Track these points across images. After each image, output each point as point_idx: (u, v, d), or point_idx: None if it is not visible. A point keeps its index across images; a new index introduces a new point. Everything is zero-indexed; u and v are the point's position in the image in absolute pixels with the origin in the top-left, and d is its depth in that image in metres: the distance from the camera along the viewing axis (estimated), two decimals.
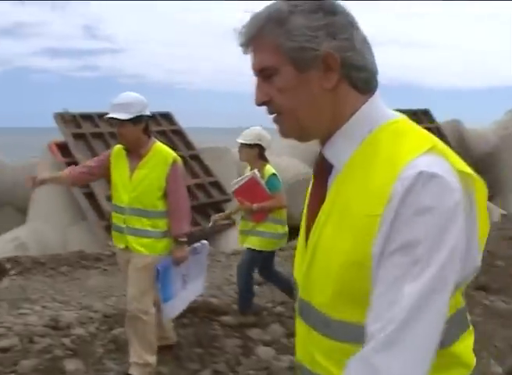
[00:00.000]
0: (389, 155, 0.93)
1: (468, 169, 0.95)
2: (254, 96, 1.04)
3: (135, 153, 3.35)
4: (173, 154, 3.41)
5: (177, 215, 3.34)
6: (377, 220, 0.89)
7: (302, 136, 1.07)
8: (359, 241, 0.92)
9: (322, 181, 1.05)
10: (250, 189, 4.17)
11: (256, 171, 4.17)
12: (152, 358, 3.39)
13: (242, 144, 4.20)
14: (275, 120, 1.05)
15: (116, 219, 3.43)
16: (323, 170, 1.06)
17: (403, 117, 1.04)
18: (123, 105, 3.20)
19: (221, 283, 5.51)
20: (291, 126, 1.04)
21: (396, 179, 0.88)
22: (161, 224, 3.36)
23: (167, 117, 10.10)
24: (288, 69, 0.99)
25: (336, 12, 0.99)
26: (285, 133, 1.07)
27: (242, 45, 1.03)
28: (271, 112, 1.05)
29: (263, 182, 4.17)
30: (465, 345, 1.04)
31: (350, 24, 1.00)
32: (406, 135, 0.97)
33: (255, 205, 4.17)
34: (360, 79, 1.01)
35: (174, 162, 3.35)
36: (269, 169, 4.27)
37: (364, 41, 1.02)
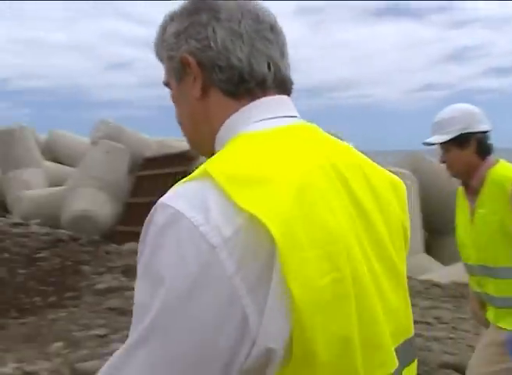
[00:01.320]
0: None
1: None
2: None
3: (471, 187, 2.39)
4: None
5: None
6: None
7: (197, 151, 0.96)
8: None
9: None
10: None
11: None
12: None
13: None
14: None
15: (472, 281, 2.51)
16: None
17: (275, 128, 0.82)
18: (440, 124, 2.35)
19: None
20: (186, 140, 0.95)
21: None
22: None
23: None
24: (172, 82, 0.91)
25: (199, 9, 0.87)
26: None
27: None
28: None
29: None
30: None
31: (214, 19, 0.85)
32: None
33: None
34: (224, 80, 0.84)
35: None
36: None
37: (235, 34, 0.84)
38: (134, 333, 0.68)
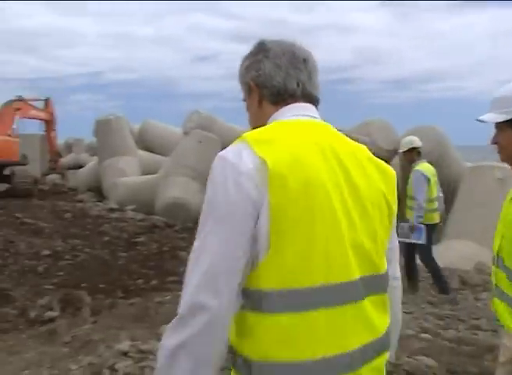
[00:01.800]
0: None
1: (264, 155, 1.16)
2: None
3: None
4: None
5: None
6: None
7: None
8: None
9: None
10: None
11: None
12: None
13: None
14: None
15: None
16: None
17: (295, 119, 1.33)
18: (499, 101, 2.02)
19: None
20: None
21: None
22: None
23: None
24: (245, 97, 1.45)
25: (257, 51, 1.40)
26: None
27: None
28: None
29: None
30: None
31: (265, 57, 1.38)
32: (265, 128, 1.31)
33: None
34: (269, 95, 1.37)
35: None
36: None
37: (276, 66, 1.36)
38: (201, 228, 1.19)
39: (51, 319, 5.01)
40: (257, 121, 1.39)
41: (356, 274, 1.24)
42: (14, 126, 14.93)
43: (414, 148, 5.99)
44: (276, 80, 1.36)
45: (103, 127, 13.97)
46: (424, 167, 5.93)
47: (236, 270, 1.15)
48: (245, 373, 1.19)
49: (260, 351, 1.17)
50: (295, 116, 1.33)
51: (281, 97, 1.37)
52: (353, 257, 1.23)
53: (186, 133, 12.96)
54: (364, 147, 1.40)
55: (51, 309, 5.20)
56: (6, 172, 13.93)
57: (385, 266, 1.34)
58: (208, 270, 1.14)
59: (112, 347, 4.11)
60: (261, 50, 1.41)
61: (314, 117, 1.36)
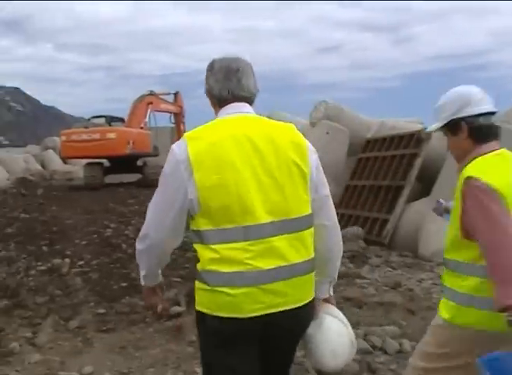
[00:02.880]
0: None
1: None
2: None
3: None
4: (468, 168, 2.13)
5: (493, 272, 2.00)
6: None
7: None
8: None
9: None
10: None
11: None
12: None
13: None
14: None
15: None
16: None
17: (225, 117, 2.05)
18: (436, 110, 2.30)
19: None
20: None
21: None
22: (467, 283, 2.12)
23: None
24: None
25: (208, 69, 2.13)
26: None
27: None
28: None
29: None
30: None
31: (210, 72, 2.10)
32: None
33: None
34: (216, 100, 2.10)
35: (468, 178, 2.08)
36: None
37: (215, 79, 2.08)
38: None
39: (178, 314, 4.86)
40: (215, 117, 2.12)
41: (264, 219, 1.90)
42: (146, 120, 15.53)
43: None
44: (215, 90, 2.08)
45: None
46: None
47: (168, 215, 1.94)
48: (198, 278, 1.97)
49: (203, 265, 1.93)
50: (227, 114, 2.04)
51: (221, 102, 2.07)
52: (262, 208, 1.90)
53: (312, 124, 12.55)
54: (287, 128, 2.07)
55: (177, 304, 5.06)
56: (139, 163, 14.54)
57: (299, 213, 1.97)
58: (152, 213, 2.01)
59: None
60: (210, 68, 2.12)
61: (242, 112, 2.05)
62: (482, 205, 2.01)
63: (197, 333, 2.13)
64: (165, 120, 17.49)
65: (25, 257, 6.61)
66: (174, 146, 1.97)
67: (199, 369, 3.73)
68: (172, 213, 1.93)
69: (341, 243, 2.17)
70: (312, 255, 2.00)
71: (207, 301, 1.95)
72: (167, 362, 3.83)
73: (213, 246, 1.89)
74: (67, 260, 6.40)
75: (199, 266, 1.95)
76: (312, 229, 2.02)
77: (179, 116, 17.14)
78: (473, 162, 2.16)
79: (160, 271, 2.21)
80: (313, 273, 2.01)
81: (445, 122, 2.24)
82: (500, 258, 1.95)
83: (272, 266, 1.89)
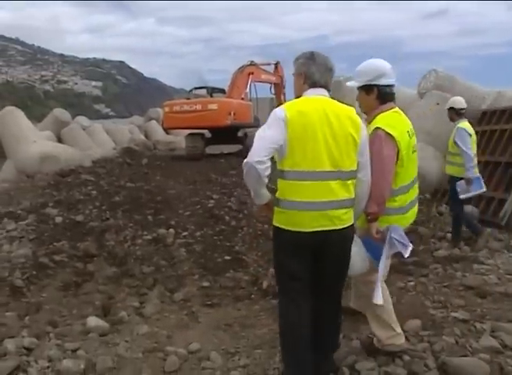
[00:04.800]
0: None
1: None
2: None
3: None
4: (377, 120, 3.27)
5: None
6: None
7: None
8: None
9: None
10: None
11: None
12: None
13: None
14: None
15: None
16: None
17: (311, 96, 3.05)
18: (357, 73, 3.43)
19: None
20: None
21: None
22: None
23: None
24: (295, 77, 3.24)
25: (310, 58, 3.13)
26: None
27: None
28: None
29: None
30: None
31: (313, 62, 3.09)
32: None
33: None
34: (309, 82, 3.09)
35: (376, 128, 3.21)
36: None
37: (316, 70, 3.09)
38: None
39: None
40: (298, 93, 3.13)
41: (327, 167, 2.87)
42: (247, 90, 15.37)
43: (452, 108, 6.67)
44: (316, 77, 3.06)
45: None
46: (465, 125, 6.52)
47: (267, 148, 2.83)
48: (276, 203, 2.98)
49: (281, 194, 2.94)
50: (313, 94, 3.04)
51: (313, 85, 3.06)
52: (327, 160, 2.88)
53: (421, 94, 11.78)
54: (349, 110, 3.02)
55: None
56: (240, 134, 14.47)
57: (349, 168, 2.94)
58: (255, 146, 2.86)
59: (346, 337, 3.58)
60: (310, 57, 3.10)
61: (323, 95, 3.05)
62: (378, 149, 3.10)
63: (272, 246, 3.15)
64: (265, 91, 17.28)
65: (131, 226, 6.72)
66: (276, 109, 3.00)
67: None
68: (269, 148, 2.84)
69: (368, 192, 3.10)
70: (353, 196, 2.98)
71: (281, 219, 2.96)
72: (275, 343, 3.64)
73: (290, 182, 2.89)
74: (172, 230, 6.42)
75: (278, 195, 2.96)
76: (355, 180, 2.99)
77: (279, 87, 16.82)
78: (379, 116, 3.27)
79: (262, 194, 2.98)
80: (352, 208, 3.00)
81: (362, 84, 3.34)
82: (373, 186, 3.10)
83: (328, 199, 2.88)
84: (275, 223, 3.00)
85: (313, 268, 3.02)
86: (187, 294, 4.87)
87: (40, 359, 3.60)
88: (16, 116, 13.96)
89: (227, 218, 6.90)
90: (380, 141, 3.11)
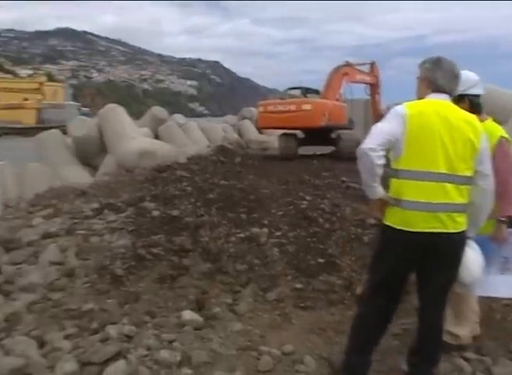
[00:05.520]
0: None
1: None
2: None
3: None
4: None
5: None
6: None
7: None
8: None
9: None
10: None
11: None
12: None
13: None
14: None
15: None
16: None
17: (433, 99, 3.07)
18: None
19: None
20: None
21: None
22: None
23: None
24: (419, 81, 3.23)
25: (436, 63, 3.13)
26: None
27: None
28: None
29: None
30: None
31: (438, 68, 3.10)
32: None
33: None
34: (433, 86, 3.10)
35: (500, 137, 3.55)
36: None
37: (441, 76, 3.11)
38: None
39: None
40: (421, 96, 3.13)
41: (442, 170, 2.86)
42: (341, 91, 15.18)
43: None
44: (440, 82, 3.06)
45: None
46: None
47: (383, 138, 2.89)
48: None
49: (394, 193, 2.98)
50: (435, 98, 3.04)
51: (437, 90, 3.05)
52: (443, 162, 2.87)
53: None
54: (471, 116, 3.03)
55: None
56: (333, 135, 14.31)
57: (463, 173, 2.92)
58: (370, 134, 2.92)
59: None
60: (437, 62, 3.10)
61: (444, 99, 3.05)
62: (507, 154, 3.43)
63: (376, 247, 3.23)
64: (359, 92, 16.99)
65: (225, 223, 6.80)
66: (396, 107, 3.00)
67: (405, 366, 3.39)
68: (385, 140, 2.88)
69: (492, 201, 3.11)
70: (466, 201, 2.95)
71: (392, 218, 2.98)
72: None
73: (405, 181, 2.92)
74: (265, 230, 6.43)
75: (390, 193, 3.01)
76: (469, 186, 2.97)
77: (374, 87, 16.47)
78: (484, 123, 3.38)
79: (376, 186, 2.98)
80: (465, 213, 2.97)
81: (456, 94, 3.30)
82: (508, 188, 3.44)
83: (443, 201, 2.88)
84: (385, 222, 3.04)
85: (419, 274, 3.10)
86: (280, 294, 4.85)
87: (139, 347, 3.72)
88: (118, 113, 14.66)
89: (320, 220, 6.81)
90: (506, 147, 3.44)
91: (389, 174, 3.03)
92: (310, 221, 6.79)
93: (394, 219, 2.97)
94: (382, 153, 2.88)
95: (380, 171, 2.92)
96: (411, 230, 2.89)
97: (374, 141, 2.88)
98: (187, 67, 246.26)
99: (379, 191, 3.01)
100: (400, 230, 2.92)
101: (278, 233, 6.38)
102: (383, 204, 3.04)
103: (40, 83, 51.60)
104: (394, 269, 3.03)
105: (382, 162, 2.88)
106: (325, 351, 3.74)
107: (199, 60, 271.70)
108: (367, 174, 2.95)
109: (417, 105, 3.01)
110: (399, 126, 2.89)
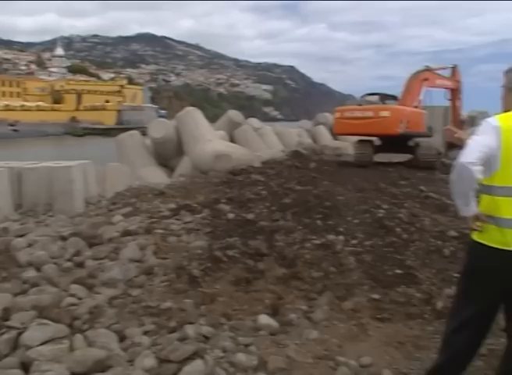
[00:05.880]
0: None
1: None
2: None
3: None
4: None
5: None
6: None
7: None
8: None
9: None
10: None
11: None
12: None
13: None
14: None
15: None
16: None
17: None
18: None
19: None
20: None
21: None
22: None
23: None
24: (506, 93, 3.00)
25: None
26: None
27: None
28: None
29: None
30: None
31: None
32: None
33: None
34: None
35: None
36: None
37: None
38: None
39: None
40: (508, 107, 2.92)
41: None
42: (421, 98, 14.77)
43: None
44: None
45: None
46: None
47: (480, 151, 2.72)
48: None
49: (486, 210, 2.84)
50: None
51: None
52: None
53: None
54: None
55: None
56: (410, 143, 13.95)
57: None
58: (468, 147, 2.75)
59: None
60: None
61: None
62: None
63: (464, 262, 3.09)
64: (439, 99, 16.47)
65: (300, 229, 6.77)
66: (488, 119, 2.85)
67: None
68: (482, 152, 2.72)
69: None
70: None
71: (485, 235, 2.85)
72: None
73: (496, 198, 2.79)
74: (341, 237, 6.34)
75: (481, 210, 2.85)
76: None
77: (455, 92, 15.94)
78: None
79: (472, 202, 2.84)
80: None
81: None
82: None
83: None
84: (474, 237, 2.93)
85: (508, 294, 2.91)
86: (357, 304, 4.76)
87: (215, 349, 3.76)
88: (195, 116, 15.00)
89: (398, 230, 6.64)
90: None
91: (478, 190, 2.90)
92: (387, 230, 6.64)
93: (489, 237, 2.84)
94: (481, 168, 2.73)
95: (477, 186, 2.81)
96: (504, 247, 2.79)
97: (472, 154, 2.72)
98: (263, 72, 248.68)
99: (475, 208, 2.88)
100: (491, 247, 2.82)
101: (354, 242, 6.27)
102: (476, 221, 2.90)
103: (121, 86, 53.83)
104: (486, 290, 2.89)
105: (480, 176, 2.75)
106: (404, 367, 3.62)
107: (274, 65, 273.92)
108: (467, 189, 2.80)
109: (510, 118, 2.83)
110: (494, 140, 2.74)
